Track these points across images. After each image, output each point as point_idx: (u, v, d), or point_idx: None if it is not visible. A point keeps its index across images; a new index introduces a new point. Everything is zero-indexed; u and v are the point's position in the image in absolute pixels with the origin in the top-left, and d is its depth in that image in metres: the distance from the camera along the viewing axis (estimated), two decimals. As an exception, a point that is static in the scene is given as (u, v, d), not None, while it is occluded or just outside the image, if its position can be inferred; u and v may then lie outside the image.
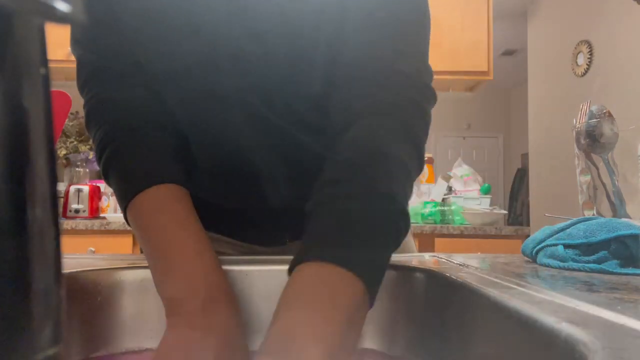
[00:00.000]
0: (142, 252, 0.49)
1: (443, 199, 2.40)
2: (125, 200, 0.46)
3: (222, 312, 0.39)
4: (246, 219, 0.61)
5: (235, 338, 0.39)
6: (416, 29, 0.50)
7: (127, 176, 0.47)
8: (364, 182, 0.38)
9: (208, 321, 0.38)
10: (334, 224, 0.37)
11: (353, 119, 0.44)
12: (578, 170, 0.69)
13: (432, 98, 0.49)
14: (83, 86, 0.54)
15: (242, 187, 0.58)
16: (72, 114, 2.54)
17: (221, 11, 0.49)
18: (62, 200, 2.26)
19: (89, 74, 0.53)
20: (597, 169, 0.66)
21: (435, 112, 0.51)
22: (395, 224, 0.38)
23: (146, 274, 0.46)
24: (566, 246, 0.49)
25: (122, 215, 0.48)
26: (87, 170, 2.52)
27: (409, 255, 0.59)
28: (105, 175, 0.50)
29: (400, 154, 0.41)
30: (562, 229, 0.52)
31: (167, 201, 0.45)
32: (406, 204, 0.41)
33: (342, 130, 0.44)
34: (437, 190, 2.42)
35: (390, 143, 0.42)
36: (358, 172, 0.39)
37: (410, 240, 0.70)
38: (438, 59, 2.36)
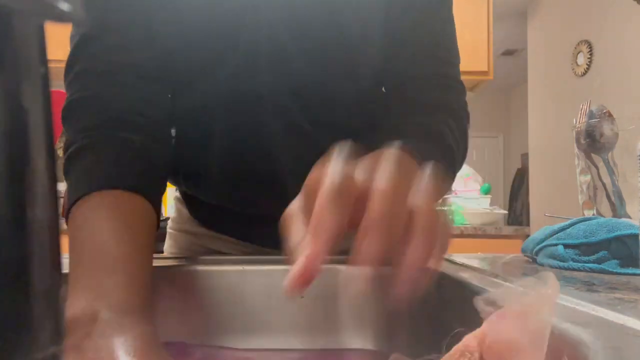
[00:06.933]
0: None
1: (443, 199, 2.40)
2: (70, 201, 0.42)
3: (126, 333, 0.34)
4: (261, 222, 0.59)
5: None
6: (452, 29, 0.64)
7: (80, 177, 0.43)
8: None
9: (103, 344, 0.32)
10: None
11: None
12: (578, 170, 0.69)
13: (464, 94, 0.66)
14: (70, 84, 0.48)
15: (260, 190, 0.56)
16: (72, 114, 2.53)
17: (265, 8, 0.49)
18: (62, 200, 2.26)
19: (81, 68, 0.48)
20: (597, 169, 0.66)
21: (436, 112, 0.54)
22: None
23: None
24: (566, 246, 0.49)
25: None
26: (87, 170, 2.52)
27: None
28: (66, 172, 0.45)
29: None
30: (562, 229, 0.52)
31: (103, 210, 0.41)
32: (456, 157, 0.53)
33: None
34: (437, 190, 2.41)
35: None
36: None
37: None
38: (438, 59, 2.35)
